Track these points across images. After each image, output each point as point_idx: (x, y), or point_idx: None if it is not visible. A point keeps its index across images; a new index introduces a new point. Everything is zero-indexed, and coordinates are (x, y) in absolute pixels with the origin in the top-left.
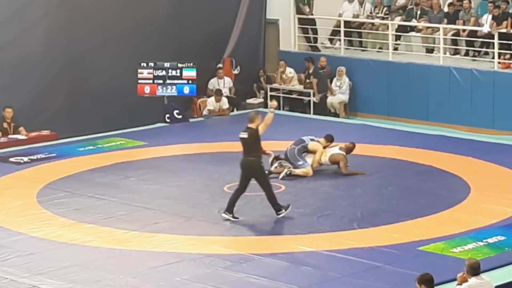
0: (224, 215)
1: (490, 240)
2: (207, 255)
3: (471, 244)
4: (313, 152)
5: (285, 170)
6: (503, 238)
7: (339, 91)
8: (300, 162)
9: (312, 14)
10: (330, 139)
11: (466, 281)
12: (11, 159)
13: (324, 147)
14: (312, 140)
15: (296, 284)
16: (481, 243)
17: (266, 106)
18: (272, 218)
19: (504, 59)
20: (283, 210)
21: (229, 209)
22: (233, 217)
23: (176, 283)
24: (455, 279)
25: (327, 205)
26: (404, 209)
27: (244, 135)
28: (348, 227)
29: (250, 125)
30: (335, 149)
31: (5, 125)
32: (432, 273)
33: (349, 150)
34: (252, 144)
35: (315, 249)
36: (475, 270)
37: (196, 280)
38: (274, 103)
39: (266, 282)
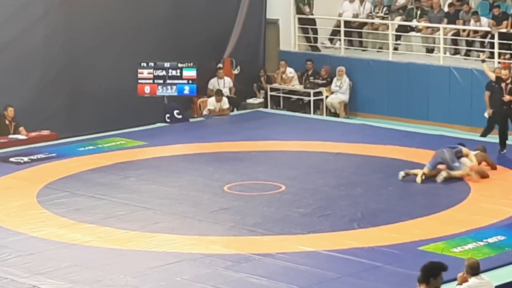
0: (503, 152)
1: (490, 240)
2: (207, 255)
3: (471, 244)
4: (466, 155)
5: (443, 173)
6: (503, 238)
7: (339, 91)
8: (457, 164)
9: (312, 14)
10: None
11: (466, 281)
12: (11, 159)
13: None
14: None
15: (296, 284)
16: (481, 243)
17: (266, 106)
18: (272, 218)
19: (504, 59)
20: (504, 151)
21: (504, 145)
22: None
23: (176, 283)
24: (455, 279)
25: (327, 205)
26: (404, 209)
27: None
28: (348, 227)
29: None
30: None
31: (6, 123)
32: None
33: (484, 150)
34: None
35: (315, 249)
36: (474, 270)
37: (196, 280)
38: None
39: (266, 282)
